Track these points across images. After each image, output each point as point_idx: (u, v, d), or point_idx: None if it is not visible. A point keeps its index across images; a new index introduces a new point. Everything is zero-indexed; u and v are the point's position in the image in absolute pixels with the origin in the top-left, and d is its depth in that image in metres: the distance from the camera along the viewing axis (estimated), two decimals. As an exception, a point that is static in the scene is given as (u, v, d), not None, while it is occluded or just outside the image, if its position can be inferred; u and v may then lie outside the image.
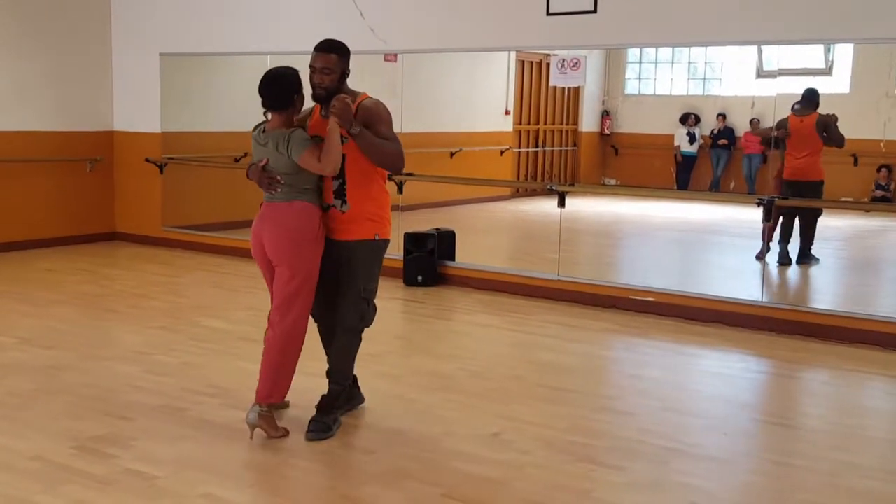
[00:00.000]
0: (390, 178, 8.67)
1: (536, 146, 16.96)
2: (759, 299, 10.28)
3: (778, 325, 10.03)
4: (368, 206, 6.71)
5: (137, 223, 15.22)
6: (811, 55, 13.01)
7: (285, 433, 6.63)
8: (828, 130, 11.46)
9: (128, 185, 15.27)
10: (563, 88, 16.44)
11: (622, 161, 17.44)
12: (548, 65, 12.93)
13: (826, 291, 12.26)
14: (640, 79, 18.01)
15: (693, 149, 16.63)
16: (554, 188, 11.67)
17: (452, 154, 15.12)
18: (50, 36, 14.27)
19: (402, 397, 7.43)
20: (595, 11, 10.79)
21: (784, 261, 11.86)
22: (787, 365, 9.17)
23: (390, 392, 7.66)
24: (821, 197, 11.68)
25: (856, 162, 12.58)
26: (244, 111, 15.05)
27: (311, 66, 6.65)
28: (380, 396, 7.50)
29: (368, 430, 6.82)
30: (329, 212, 6.70)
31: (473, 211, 15.61)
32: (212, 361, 8.54)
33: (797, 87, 12.07)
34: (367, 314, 6.88)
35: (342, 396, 6.95)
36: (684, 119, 16.78)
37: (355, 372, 7.13)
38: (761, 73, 13.78)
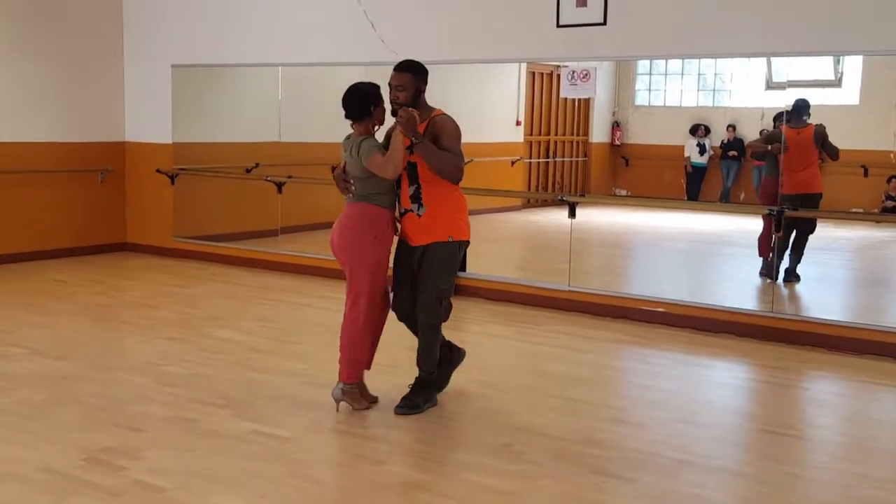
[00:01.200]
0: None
1: (547, 157, 16.95)
2: (770, 310, 10.26)
3: (788, 335, 10.01)
4: (444, 209, 7.32)
5: (148, 234, 15.24)
6: (820, 67, 12.98)
7: (369, 405, 7.43)
8: (825, 142, 11.44)
9: (139, 196, 15.28)
10: (574, 99, 16.46)
11: (633, 172, 17.43)
12: (558, 76, 12.92)
13: (836, 302, 12.23)
14: (650, 90, 18.00)
15: (703, 160, 16.61)
16: (565, 199, 11.66)
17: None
18: (62, 47, 14.31)
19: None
20: (605, 23, 10.79)
21: (791, 277, 11.81)
22: (798, 376, 9.16)
23: (400, 403, 7.65)
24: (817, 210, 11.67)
25: (866, 173, 12.54)
26: (255, 122, 15.21)
27: (389, 84, 7.28)
28: (389, 407, 7.48)
29: (379, 441, 6.82)
30: (406, 216, 7.35)
31: (484, 221, 15.58)
32: (222, 372, 8.53)
33: (807, 98, 12.06)
34: (441, 311, 7.45)
35: (430, 380, 7.57)
36: (694, 130, 16.76)
37: (448, 338, 7.79)
38: (771, 85, 13.76)
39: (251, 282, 13.01)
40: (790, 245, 11.60)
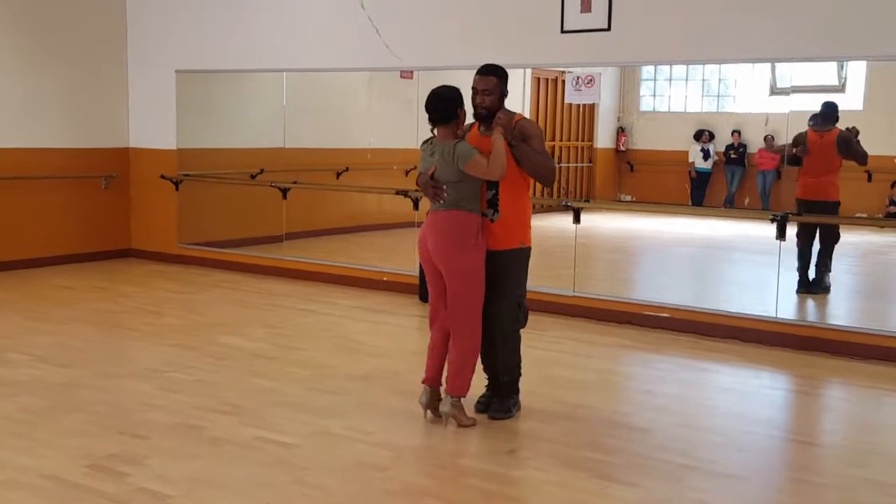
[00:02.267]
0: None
1: (552, 163, 16.95)
2: (774, 315, 10.25)
3: (793, 341, 10.00)
4: (516, 215, 7.35)
5: (153, 240, 15.24)
6: (824, 72, 12.98)
7: (474, 422, 7.28)
8: (849, 147, 11.33)
9: (143, 202, 15.29)
10: (579, 105, 16.48)
11: (637, 177, 17.45)
12: (563, 82, 12.92)
13: (841, 307, 12.22)
14: (654, 96, 18.03)
15: (707, 165, 16.65)
16: (569, 204, 11.66)
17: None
18: (66, 53, 14.32)
19: (418, 414, 7.41)
20: (609, 29, 10.79)
21: (804, 289, 11.73)
22: (803, 381, 9.15)
23: (405, 409, 7.63)
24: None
25: (869, 178, 12.54)
26: (260, 128, 15.22)
27: (473, 88, 7.29)
28: (395, 413, 7.50)
29: (384, 448, 6.80)
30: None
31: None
32: (227, 379, 8.53)
33: (810, 103, 12.05)
34: (521, 317, 7.53)
35: (516, 385, 7.60)
36: (698, 136, 16.80)
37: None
38: (775, 90, 13.79)
39: (256, 288, 13.01)
40: (816, 257, 11.52)
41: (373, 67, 12.88)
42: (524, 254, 7.44)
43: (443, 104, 7.14)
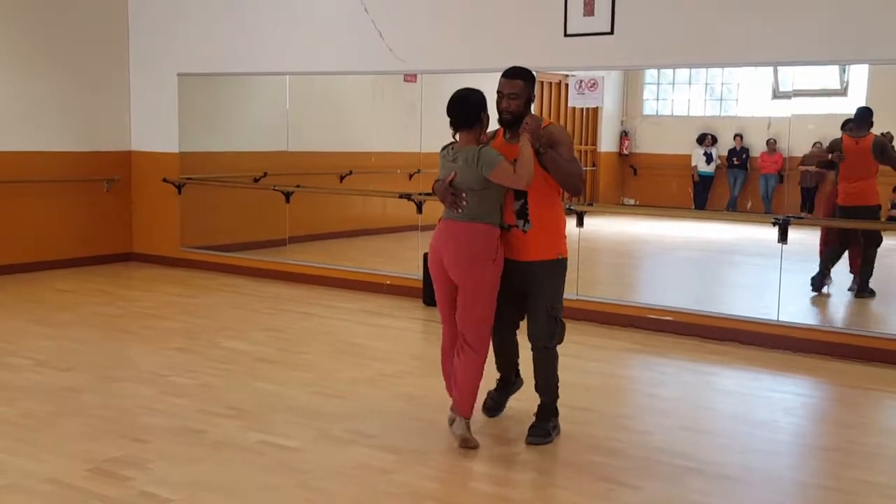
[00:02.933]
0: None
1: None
2: (776, 318, 10.25)
3: (794, 343, 10.01)
4: (549, 225, 6.98)
5: (155, 243, 15.25)
6: (826, 76, 12.98)
7: (478, 445, 6.91)
8: (884, 152, 11.31)
9: (145, 206, 15.30)
10: (582, 109, 16.45)
11: (640, 181, 17.45)
12: (566, 85, 12.93)
13: (841, 310, 12.22)
14: (657, 99, 18.05)
15: (710, 169, 16.66)
16: (573, 208, 11.65)
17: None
18: (68, 56, 14.33)
19: (421, 418, 7.41)
20: (612, 33, 10.80)
21: (818, 287, 11.79)
22: (804, 383, 9.15)
23: (409, 412, 7.64)
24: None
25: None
26: (263, 131, 15.22)
27: (498, 92, 6.91)
28: (398, 417, 7.51)
29: (387, 451, 6.80)
30: (510, 232, 6.92)
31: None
32: (230, 383, 8.53)
33: (812, 107, 12.05)
34: (557, 331, 7.15)
35: (555, 407, 7.24)
36: (701, 139, 16.81)
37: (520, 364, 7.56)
38: (777, 94, 13.79)
39: (259, 292, 13.02)
40: (861, 261, 11.55)
41: (376, 71, 12.89)
42: (561, 265, 7.07)
43: (466, 108, 6.80)
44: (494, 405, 7.58)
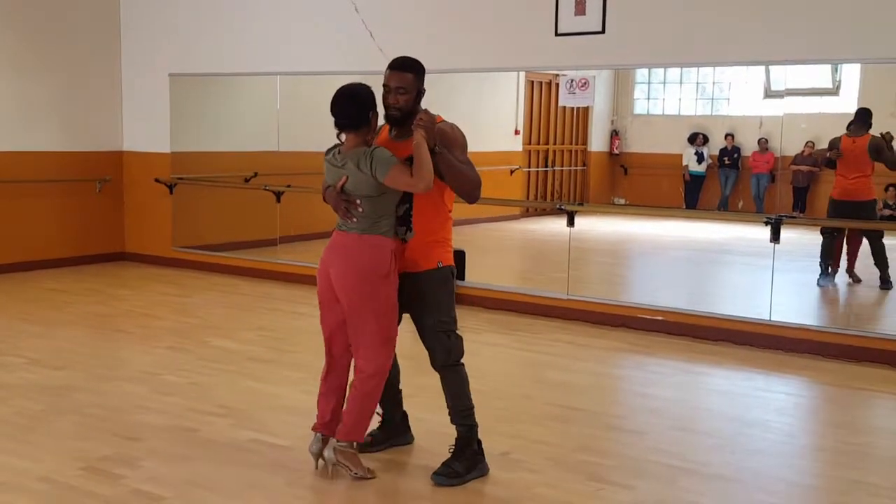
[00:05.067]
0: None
1: (546, 166, 16.97)
2: (768, 318, 10.26)
3: (787, 343, 10.02)
4: (433, 232, 6.26)
5: (147, 243, 15.24)
6: (818, 75, 13.03)
7: (373, 474, 6.28)
8: (880, 153, 11.40)
9: (137, 206, 15.29)
10: (573, 108, 16.48)
11: (631, 180, 17.47)
12: (557, 85, 12.95)
13: (833, 310, 12.25)
14: (648, 99, 18.06)
15: (701, 168, 16.68)
16: (563, 208, 11.67)
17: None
18: (60, 56, 14.32)
19: (411, 417, 7.38)
20: (603, 32, 10.81)
21: (823, 282, 11.97)
22: (796, 384, 9.17)
23: (399, 412, 7.65)
24: (874, 217, 11.87)
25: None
26: (253, 131, 15.21)
27: (384, 86, 6.21)
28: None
29: (378, 451, 6.80)
30: None
31: (483, 230, 15.60)
32: (221, 381, 8.53)
33: (805, 106, 12.07)
34: (453, 347, 6.30)
35: (472, 439, 6.41)
36: (693, 139, 16.82)
37: (405, 409, 6.93)
38: (769, 93, 13.82)
39: (250, 291, 13.02)
40: (872, 256, 11.72)
41: (367, 71, 12.82)
42: (442, 273, 6.27)
43: (354, 107, 6.08)
44: (372, 441, 6.73)
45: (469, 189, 6.19)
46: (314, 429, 6.36)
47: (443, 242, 6.32)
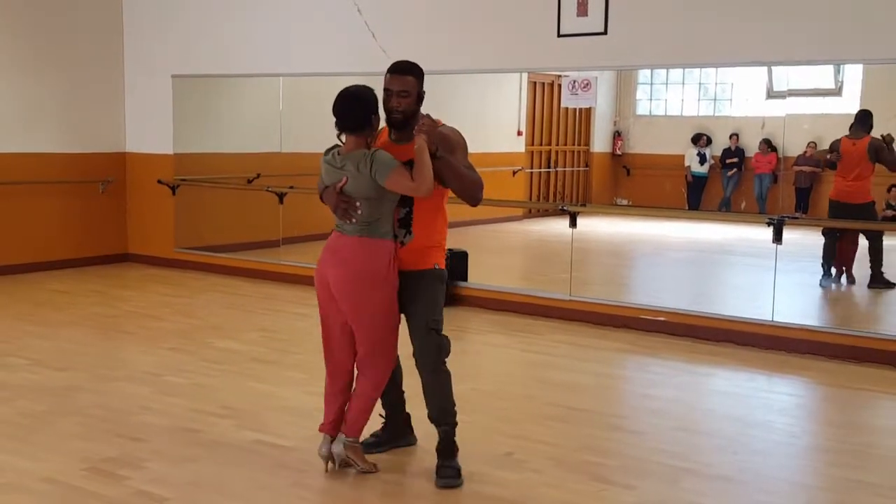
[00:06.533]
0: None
1: (548, 167, 17.00)
2: (770, 318, 10.26)
3: (789, 344, 10.01)
4: (432, 236, 6.31)
5: (149, 244, 15.25)
6: (821, 76, 13.04)
7: (376, 468, 6.38)
8: (880, 154, 11.43)
9: (140, 207, 15.29)
10: (575, 109, 16.50)
11: (634, 181, 17.48)
12: (559, 86, 12.95)
13: (836, 311, 12.25)
14: (651, 99, 18.07)
15: (704, 169, 16.68)
16: (566, 208, 11.67)
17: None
18: (63, 58, 14.32)
19: (414, 418, 7.40)
20: (605, 33, 10.80)
21: (826, 283, 12.05)
22: (799, 384, 9.17)
23: (402, 412, 7.65)
24: (873, 219, 11.92)
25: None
26: (256, 132, 15.21)
27: (386, 89, 6.21)
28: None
29: (382, 452, 6.81)
30: None
31: (485, 231, 15.61)
32: (224, 382, 8.54)
33: (807, 107, 12.08)
34: (442, 346, 6.29)
35: (454, 435, 6.46)
36: (695, 140, 16.83)
37: (409, 411, 6.91)
38: (771, 94, 13.82)
39: (253, 292, 13.02)
40: (868, 255, 11.80)
41: (369, 72, 12.79)
42: (437, 275, 6.32)
43: (357, 109, 6.10)
44: (376, 441, 6.82)
45: (471, 191, 6.23)
46: (321, 429, 6.39)
47: (438, 247, 6.38)
